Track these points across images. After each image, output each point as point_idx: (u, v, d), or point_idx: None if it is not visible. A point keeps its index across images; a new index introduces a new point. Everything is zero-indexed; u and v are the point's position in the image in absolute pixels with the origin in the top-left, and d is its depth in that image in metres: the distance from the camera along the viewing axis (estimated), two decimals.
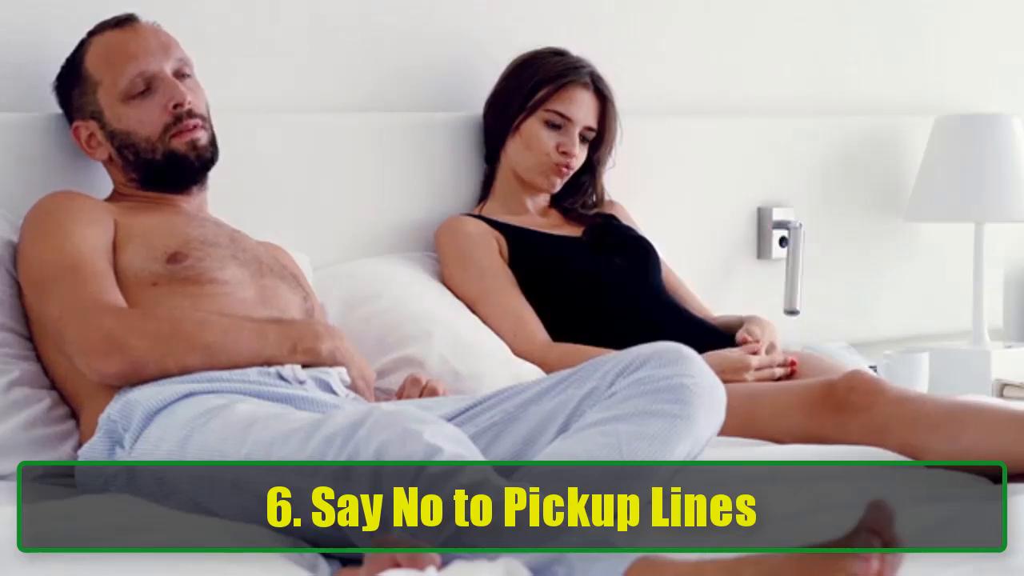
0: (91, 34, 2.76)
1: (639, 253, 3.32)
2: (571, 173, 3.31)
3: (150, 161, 2.72)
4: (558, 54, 3.32)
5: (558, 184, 3.31)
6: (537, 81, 3.28)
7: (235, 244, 2.69)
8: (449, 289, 3.20)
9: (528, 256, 3.22)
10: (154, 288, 2.56)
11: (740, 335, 3.14)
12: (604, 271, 3.24)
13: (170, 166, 2.72)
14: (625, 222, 3.42)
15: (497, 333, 3.12)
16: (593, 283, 3.22)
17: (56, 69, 2.80)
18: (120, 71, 2.71)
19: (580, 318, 3.17)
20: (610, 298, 3.21)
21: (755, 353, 3.08)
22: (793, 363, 3.10)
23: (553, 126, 3.27)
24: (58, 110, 2.83)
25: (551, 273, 3.21)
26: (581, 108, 3.28)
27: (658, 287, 3.31)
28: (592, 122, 3.30)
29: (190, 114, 2.71)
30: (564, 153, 3.26)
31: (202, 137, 2.73)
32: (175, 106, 2.70)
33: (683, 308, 3.30)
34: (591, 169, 3.36)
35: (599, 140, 3.33)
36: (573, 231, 3.34)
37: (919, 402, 2.65)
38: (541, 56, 3.31)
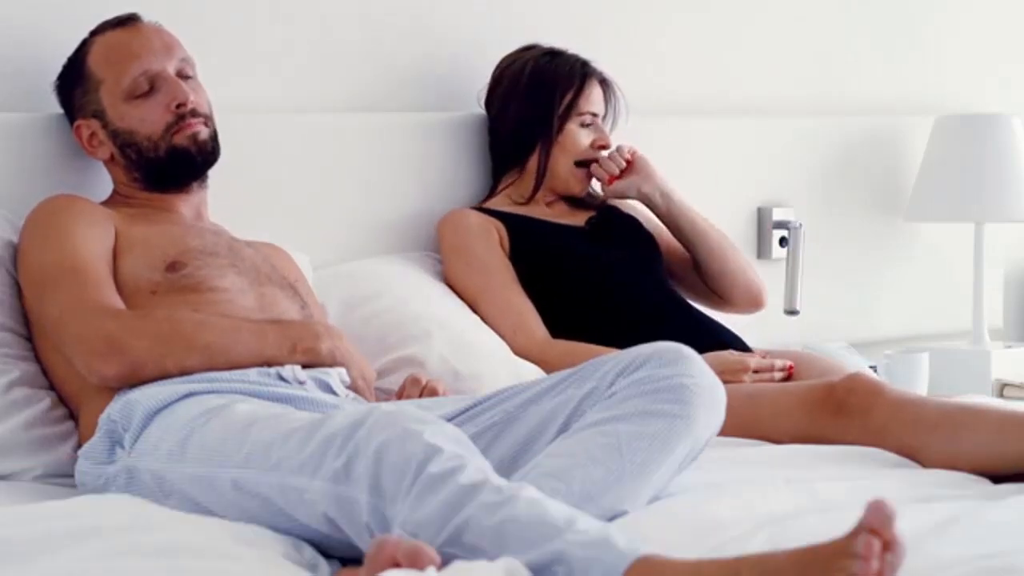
0: (93, 33, 2.77)
1: (641, 243, 3.34)
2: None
3: (152, 159, 2.72)
4: (552, 54, 3.33)
5: (589, 186, 3.36)
6: (561, 89, 3.30)
7: (233, 253, 2.70)
8: (449, 283, 3.20)
9: (529, 244, 3.23)
10: (153, 296, 2.56)
11: None
12: (605, 260, 3.25)
13: (172, 162, 2.72)
14: (628, 211, 3.43)
15: (496, 329, 3.12)
16: (594, 271, 3.22)
17: (57, 69, 2.80)
18: (123, 70, 2.71)
19: (581, 307, 3.18)
20: (611, 286, 3.21)
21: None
22: (791, 368, 3.10)
23: (584, 125, 3.33)
24: (59, 110, 2.83)
25: (552, 261, 3.22)
26: (599, 101, 3.35)
27: (659, 277, 3.31)
28: (603, 111, 3.37)
29: (193, 113, 2.72)
30: (602, 147, 3.33)
31: (203, 132, 2.74)
32: (178, 106, 2.71)
33: (684, 299, 3.31)
34: None
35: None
36: (575, 220, 3.35)
37: (918, 404, 2.65)
38: (541, 64, 3.32)
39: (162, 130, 2.71)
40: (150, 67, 2.72)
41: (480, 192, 3.40)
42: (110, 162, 2.78)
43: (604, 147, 3.33)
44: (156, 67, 2.72)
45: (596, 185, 3.40)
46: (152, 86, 2.72)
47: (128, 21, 2.76)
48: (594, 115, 3.33)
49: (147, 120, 2.71)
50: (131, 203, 2.76)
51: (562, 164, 3.32)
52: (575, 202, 3.39)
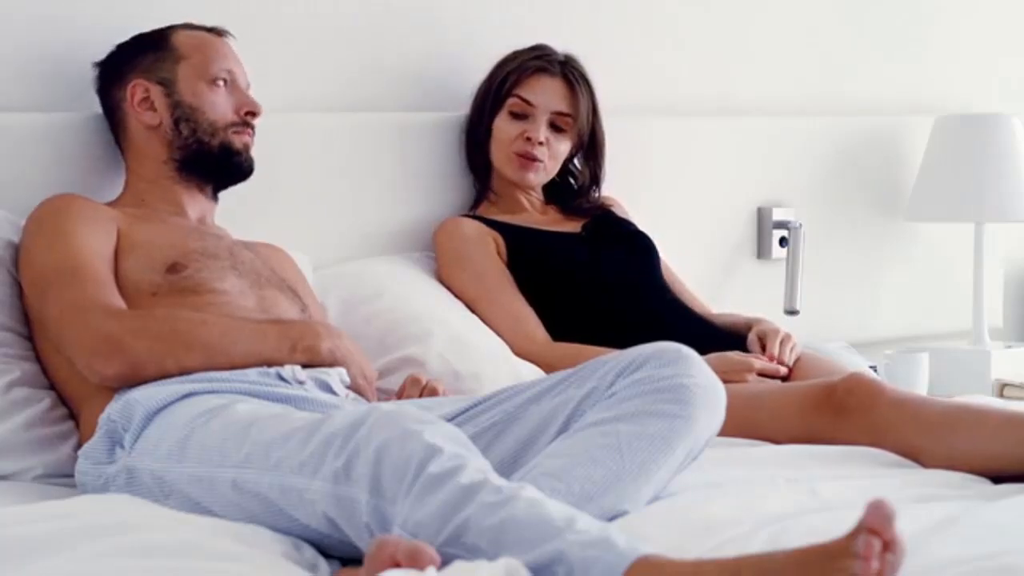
0: (177, 27, 2.83)
1: (638, 248, 3.33)
2: (544, 165, 3.29)
3: (203, 142, 2.77)
4: (534, 49, 3.32)
5: (531, 177, 3.29)
6: (504, 76, 3.28)
7: (233, 256, 2.71)
8: (447, 290, 3.20)
9: (527, 254, 3.22)
10: (153, 298, 2.57)
11: (752, 342, 3.15)
12: (604, 266, 3.25)
13: (220, 155, 2.78)
14: (623, 216, 3.42)
15: (497, 334, 3.12)
16: (593, 278, 3.22)
17: (65, 72, 2.84)
18: (211, 58, 2.80)
19: (581, 314, 3.17)
20: (611, 293, 3.21)
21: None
22: (790, 370, 3.11)
23: (517, 116, 3.27)
24: (62, 111, 2.84)
25: (551, 269, 3.22)
26: (544, 94, 3.28)
27: (659, 281, 3.31)
28: (563, 107, 3.29)
29: (253, 127, 2.82)
30: (528, 139, 3.26)
31: (251, 147, 2.83)
32: (247, 112, 2.80)
33: (684, 302, 3.31)
34: (573, 159, 3.37)
35: (572, 127, 3.31)
36: (572, 227, 3.34)
37: (918, 405, 2.65)
38: (516, 54, 3.32)
39: (227, 123, 2.79)
40: (233, 69, 2.82)
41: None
42: (154, 131, 2.79)
43: (530, 140, 3.25)
44: (237, 73, 2.83)
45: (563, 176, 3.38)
46: (228, 85, 2.80)
47: (217, 31, 2.86)
48: (529, 105, 3.26)
49: (218, 107, 2.79)
50: (139, 203, 2.77)
51: (495, 154, 3.30)
52: (569, 209, 3.38)
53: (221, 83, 2.79)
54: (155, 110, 2.78)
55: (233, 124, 2.80)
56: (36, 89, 2.89)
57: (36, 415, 2.56)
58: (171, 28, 2.83)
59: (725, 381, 2.36)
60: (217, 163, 2.79)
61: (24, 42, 2.91)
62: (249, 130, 2.82)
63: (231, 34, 2.88)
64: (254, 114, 2.82)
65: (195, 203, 2.81)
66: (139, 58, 2.80)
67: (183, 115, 2.78)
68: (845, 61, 4.13)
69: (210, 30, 2.86)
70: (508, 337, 3.11)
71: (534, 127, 3.26)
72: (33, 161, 2.83)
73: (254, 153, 2.84)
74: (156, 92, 2.78)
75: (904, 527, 1.74)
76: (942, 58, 4.31)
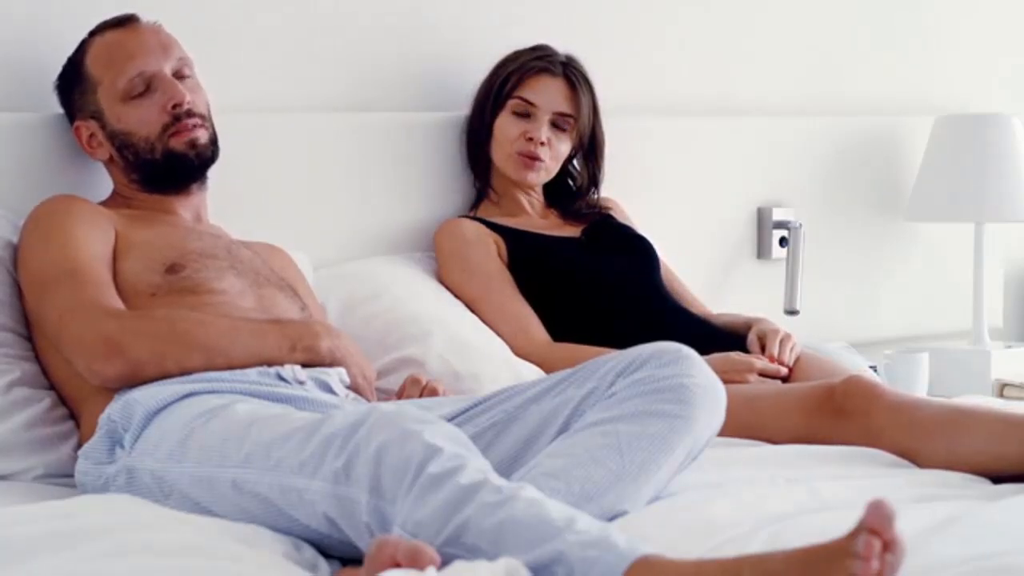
0: (92, 34, 2.77)
1: (638, 252, 3.33)
2: (545, 165, 3.29)
3: (149, 161, 2.72)
4: (536, 49, 3.32)
5: (532, 176, 3.29)
6: (506, 76, 3.29)
7: (232, 255, 2.70)
8: (448, 291, 3.20)
9: (527, 257, 3.22)
10: (152, 298, 2.56)
11: (752, 343, 3.16)
12: (604, 270, 3.24)
13: (169, 165, 2.72)
14: (622, 220, 3.42)
15: (497, 334, 3.11)
16: (593, 283, 3.22)
17: (57, 68, 2.81)
18: (120, 71, 2.72)
19: (581, 318, 3.18)
20: (611, 297, 3.21)
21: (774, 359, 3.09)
22: (790, 370, 3.11)
23: (520, 115, 3.27)
24: (59, 110, 2.83)
25: (551, 274, 3.22)
26: (546, 94, 3.28)
27: (658, 285, 3.31)
28: (565, 108, 3.29)
29: (189, 114, 2.72)
30: (530, 139, 3.26)
31: (201, 136, 2.74)
32: (174, 106, 2.71)
33: (684, 306, 3.31)
34: (573, 160, 3.37)
35: (574, 127, 3.31)
36: (572, 231, 3.34)
37: (915, 407, 2.65)
38: (517, 53, 3.32)
39: (159, 131, 2.72)
40: (146, 68, 2.72)
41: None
42: (109, 163, 2.79)
43: (532, 140, 3.25)
44: (152, 68, 2.73)
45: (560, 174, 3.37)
46: (148, 87, 2.72)
47: (126, 21, 2.77)
48: (531, 105, 3.26)
49: (144, 121, 2.72)
50: (131, 204, 2.77)
51: (496, 154, 3.30)
52: (569, 213, 3.38)
53: (140, 90, 2.71)
54: (102, 144, 2.76)
55: (166, 128, 2.71)
56: (33, 88, 2.89)
57: (36, 415, 2.56)
58: (83, 47, 2.76)
59: (726, 381, 2.36)
60: (172, 170, 2.73)
61: (19, 42, 2.90)
62: (187, 122, 2.71)
63: (137, 17, 2.76)
64: (180, 104, 2.71)
65: (183, 203, 2.79)
66: (71, 97, 2.78)
67: (121, 142, 2.73)
68: (845, 61, 4.13)
69: (118, 23, 2.76)
70: (508, 337, 3.11)
71: (536, 127, 3.26)
72: (32, 161, 2.83)
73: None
74: (95, 128, 2.75)
75: (904, 527, 1.74)
76: (942, 58, 4.31)
